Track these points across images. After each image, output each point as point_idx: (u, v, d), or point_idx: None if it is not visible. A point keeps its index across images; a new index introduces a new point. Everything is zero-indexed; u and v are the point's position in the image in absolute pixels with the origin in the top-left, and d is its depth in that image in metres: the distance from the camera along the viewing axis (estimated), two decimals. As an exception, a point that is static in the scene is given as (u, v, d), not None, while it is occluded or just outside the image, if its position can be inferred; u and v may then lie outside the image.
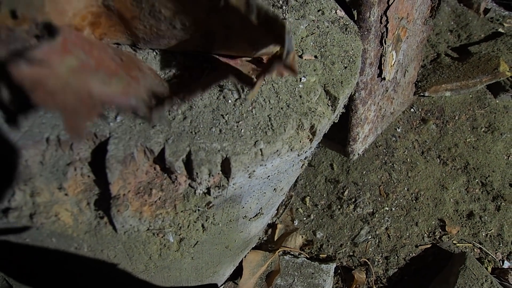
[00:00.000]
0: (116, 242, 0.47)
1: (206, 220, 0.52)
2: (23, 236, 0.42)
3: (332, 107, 0.54)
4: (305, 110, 0.49)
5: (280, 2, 0.59)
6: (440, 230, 1.01)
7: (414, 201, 1.07)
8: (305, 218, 1.07)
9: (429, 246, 0.99)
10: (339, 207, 1.06)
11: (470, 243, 0.98)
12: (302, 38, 0.56)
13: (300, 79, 0.51)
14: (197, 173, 0.41)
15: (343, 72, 0.55)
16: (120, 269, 0.55)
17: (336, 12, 0.63)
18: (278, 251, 0.98)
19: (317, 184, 1.10)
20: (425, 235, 1.01)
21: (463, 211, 1.03)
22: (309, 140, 0.51)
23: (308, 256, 1.00)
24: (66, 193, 0.40)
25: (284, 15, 0.55)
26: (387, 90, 0.95)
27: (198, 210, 0.47)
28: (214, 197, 0.45)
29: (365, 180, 1.08)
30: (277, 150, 0.45)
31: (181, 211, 0.46)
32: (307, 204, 1.08)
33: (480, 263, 0.89)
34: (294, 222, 1.06)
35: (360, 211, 1.05)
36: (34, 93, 0.27)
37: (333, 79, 0.54)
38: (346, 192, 1.07)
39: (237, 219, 0.59)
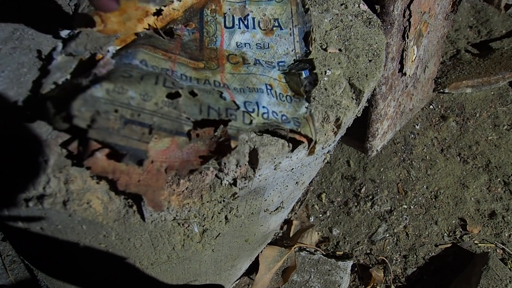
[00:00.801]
0: (143, 231, 0.47)
1: (230, 212, 0.52)
2: (56, 223, 0.44)
3: (356, 100, 0.53)
4: (330, 103, 0.49)
5: (304, -5, 0.59)
6: (461, 230, 0.99)
7: (433, 200, 1.05)
8: (321, 215, 1.07)
9: (449, 245, 0.97)
10: (356, 204, 1.05)
11: (493, 243, 0.96)
12: (326, 32, 0.56)
13: (325, 72, 0.51)
14: (224, 163, 0.41)
15: (368, 65, 0.55)
16: (144, 258, 0.56)
17: (359, 6, 0.62)
18: (294, 247, 0.98)
19: (333, 180, 1.10)
20: (445, 234, 0.99)
21: (485, 210, 1.01)
22: (334, 133, 0.51)
23: (324, 253, 1.00)
24: (98, 181, 0.41)
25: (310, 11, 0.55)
26: (407, 86, 0.94)
27: (224, 201, 0.47)
28: (239, 188, 0.46)
29: (383, 178, 1.07)
30: (303, 142, 0.45)
31: (207, 202, 0.46)
32: (323, 201, 1.07)
33: (503, 263, 0.87)
34: (310, 218, 1.06)
35: (377, 208, 1.04)
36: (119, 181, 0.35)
37: (357, 72, 0.53)
38: (363, 189, 1.06)
39: (258, 212, 0.59)
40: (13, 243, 0.67)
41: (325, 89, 0.50)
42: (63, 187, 0.40)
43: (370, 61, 0.55)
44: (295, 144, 0.44)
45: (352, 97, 0.53)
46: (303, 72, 0.46)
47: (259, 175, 0.45)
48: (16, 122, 0.40)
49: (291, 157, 0.47)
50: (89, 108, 0.34)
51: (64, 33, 0.46)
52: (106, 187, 0.43)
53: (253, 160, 0.42)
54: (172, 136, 0.37)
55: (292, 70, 0.48)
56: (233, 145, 0.39)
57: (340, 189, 1.07)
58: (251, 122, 0.40)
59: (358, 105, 0.54)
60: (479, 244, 0.96)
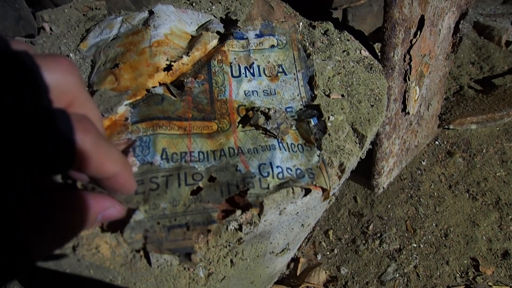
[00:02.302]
0: (149, 275, 0.48)
1: (235, 255, 0.52)
2: (64, 266, 0.44)
3: (360, 144, 0.55)
4: (334, 148, 0.50)
5: (307, 44, 0.63)
6: (474, 270, 0.96)
7: (443, 238, 1.03)
8: (328, 253, 1.04)
9: (462, 287, 0.94)
10: (364, 242, 1.03)
11: (507, 285, 0.92)
12: (329, 78, 0.59)
13: (328, 117, 0.53)
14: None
15: (370, 110, 0.56)
16: (149, 302, 0.55)
17: (360, 52, 0.65)
18: (301, 286, 0.95)
19: (341, 217, 1.09)
20: (457, 275, 0.96)
21: (497, 250, 0.98)
22: (338, 177, 0.52)
23: (332, 293, 0.97)
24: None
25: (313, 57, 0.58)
26: (411, 124, 0.95)
27: (229, 245, 0.48)
28: (245, 234, 0.46)
29: (391, 214, 1.06)
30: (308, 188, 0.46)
31: (213, 247, 0.46)
32: (331, 238, 1.06)
33: (519, 307, 0.84)
34: (317, 256, 1.04)
35: (386, 247, 1.01)
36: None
37: (360, 117, 0.55)
38: (371, 227, 1.05)
39: (264, 254, 0.59)
40: (20, 281, 0.67)
41: (329, 134, 0.51)
42: (73, 232, 0.41)
43: (372, 106, 0.57)
44: (307, 191, 0.46)
45: (355, 142, 0.54)
46: (311, 119, 0.48)
47: (264, 221, 0.46)
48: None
49: (296, 202, 0.47)
50: (138, 232, 0.40)
51: None
52: (114, 232, 0.44)
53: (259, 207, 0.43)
54: (205, 226, 0.41)
55: (301, 116, 0.49)
56: (255, 212, 0.41)
57: (348, 225, 1.06)
58: (268, 186, 0.43)
59: (361, 149, 0.56)
60: (493, 286, 0.92)
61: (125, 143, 0.45)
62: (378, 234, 1.03)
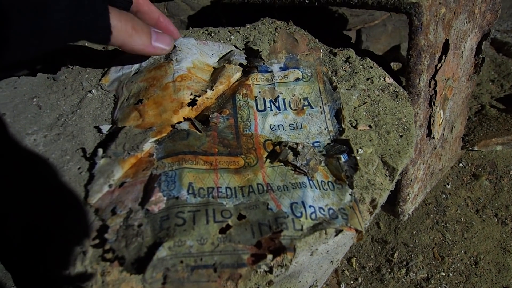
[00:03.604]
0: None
1: (263, 297, 0.50)
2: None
3: (390, 177, 0.52)
4: (365, 184, 0.48)
5: (329, 73, 0.62)
6: (509, 302, 0.90)
7: (473, 266, 0.97)
8: (352, 282, 1.00)
9: (497, 320, 0.88)
10: (389, 270, 0.99)
11: (547, 319, 0.86)
12: (354, 108, 0.57)
13: (357, 150, 0.51)
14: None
15: (399, 142, 0.54)
16: None
17: (384, 79, 0.64)
18: (325, 318, 0.91)
19: (364, 244, 1.05)
20: (492, 307, 0.90)
21: (533, 279, 0.92)
22: (369, 213, 0.49)
23: (357, 326, 0.92)
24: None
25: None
26: (435, 148, 0.92)
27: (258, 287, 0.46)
28: (275, 276, 0.44)
29: (416, 241, 1.01)
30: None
31: (241, 290, 0.44)
32: (354, 266, 1.01)
33: None
34: (341, 285, 1.00)
35: (413, 275, 0.97)
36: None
37: (389, 149, 0.53)
38: (396, 254, 1.00)
39: (291, 292, 0.56)
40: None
41: (359, 169, 0.50)
42: (99, 278, 0.40)
43: (401, 136, 0.55)
44: (339, 231, 0.44)
45: (385, 175, 0.52)
46: (342, 155, 0.46)
47: (295, 262, 0.44)
48: (59, 214, 0.41)
49: (327, 242, 0.45)
50: (159, 270, 0.38)
51: (105, 128, 0.49)
52: (140, 276, 0.42)
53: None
54: (235, 269, 0.39)
55: (330, 152, 0.48)
56: (289, 257, 0.39)
57: (371, 253, 1.02)
58: (301, 228, 0.41)
59: (391, 182, 0.53)
60: (533, 320, 0.86)
61: (151, 178, 0.44)
62: (404, 262, 0.99)
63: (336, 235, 0.45)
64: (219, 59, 0.63)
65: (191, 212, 0.41)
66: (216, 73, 0.57)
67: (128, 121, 0.50)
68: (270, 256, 0.39)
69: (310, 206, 0.42)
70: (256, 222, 0.40)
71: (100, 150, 0.46)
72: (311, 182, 0.44)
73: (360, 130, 0.54)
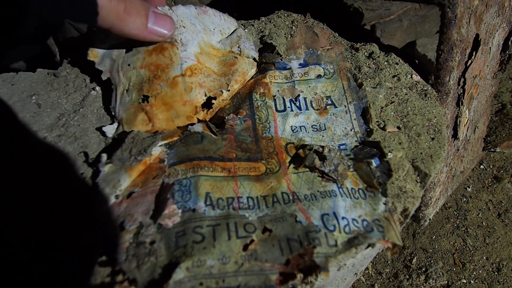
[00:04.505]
0: None
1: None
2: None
3: (421, 183, 0.48)
4: (396, 191, 0.44)
5: (353, 69, 0.57)
6: (536, 313, 0.85)
7: (495, 273, 0.93)
8: (367, 288, 0.96)
9: (523, 332, 0.83)
10: (407, 277, 0.94)
11: None
12: (382, 108, 0.53)
13: (386, 154, 0.47)
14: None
15: (431, 145, 0.50)
16: None
17: (411, 77, 0.59)
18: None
19: (379, 248, 1.00)
20: (517, 318, 0.85)
21: (561, 289, 0.87)
22: (400, 223, 0.45)
23: (373, 335, 0.88)
24: None
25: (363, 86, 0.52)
26: (458, 149, 0.87)
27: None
28: (299, 295, 0.40)
29: (436, 247, 0.97)
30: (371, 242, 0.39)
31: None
32: (370, 272, 0.97)
33: None
34: (355, 292, 0.95)
35: (432, 283, 0.92)
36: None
37: (421, 153, 0.49)
38: (414, 260, 0.96)
39: (312, 307, 0.52)
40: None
41: (389, 175, 0.45)
42: None
43: (432, 139, 0.51)
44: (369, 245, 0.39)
45: (416, 181, 0.48)
46: (372, 160, 0.42)
47: (321, 279, 0.40)
48: (59, 229, 0.37)
49: (356, 256, 0.41)
50: None
51: (110, 132, 0.45)
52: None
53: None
54: None
55: (359, 156, 0.43)
56: (324, 277, 0.34)
57: (388, 259, 0.97)
58: (336, 243, 0.36)
59: (422, 189, 0.49)
60: (562, 333, 0.81)
61: (162, 188, 0.40)
62: (423, 269, 0.94)
63: (366, 248, 0.41)
64: (223, 39, 0.56)
65: (211, 226, 0.37)
66: (227, 66, 0.52)
67: (135, 125, 0.45)
68: (300, 276, 0.35)
69: (343, 218, 0.37)
70: (284, 237, 0.36)
71: (104, 156, 0.41)
72: (341, 190, 0.39)
73: (388, 132, 0.50)
